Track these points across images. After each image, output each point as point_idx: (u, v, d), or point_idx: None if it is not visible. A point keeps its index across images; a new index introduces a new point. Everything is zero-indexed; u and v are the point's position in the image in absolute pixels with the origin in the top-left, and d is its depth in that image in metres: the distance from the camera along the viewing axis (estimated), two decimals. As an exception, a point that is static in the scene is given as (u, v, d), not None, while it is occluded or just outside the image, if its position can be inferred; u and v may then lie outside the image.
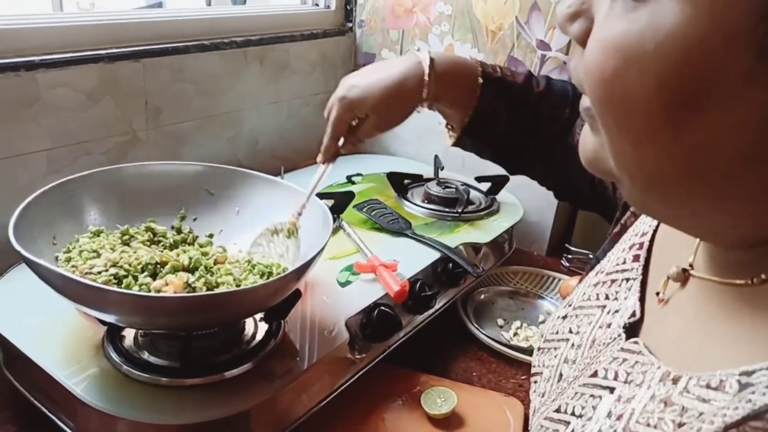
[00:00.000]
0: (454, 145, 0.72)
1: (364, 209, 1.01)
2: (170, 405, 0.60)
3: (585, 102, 0.31)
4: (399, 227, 0.97)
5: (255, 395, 0.61)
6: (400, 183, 1.12)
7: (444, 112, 0.70)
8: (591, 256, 1.15)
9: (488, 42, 1.20)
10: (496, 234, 1.01)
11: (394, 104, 0.67)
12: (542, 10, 1.12)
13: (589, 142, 0.32)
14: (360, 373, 0.74)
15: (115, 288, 0.57)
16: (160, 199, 0.71)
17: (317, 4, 1.35)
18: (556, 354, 0.48)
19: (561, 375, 0.46)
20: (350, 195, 1.00)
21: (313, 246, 0.67)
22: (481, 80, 0.65)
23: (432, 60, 0.65)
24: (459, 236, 0.98)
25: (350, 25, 1.37)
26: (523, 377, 0.85)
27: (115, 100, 0.90)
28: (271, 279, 0.64)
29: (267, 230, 0.73)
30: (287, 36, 1.20)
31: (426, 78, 0.64)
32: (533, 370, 0.51)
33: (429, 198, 1.09)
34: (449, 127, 0.72)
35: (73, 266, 0.62)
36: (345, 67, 1.38)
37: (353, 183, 1.16)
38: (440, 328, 0.89)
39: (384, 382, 0.79)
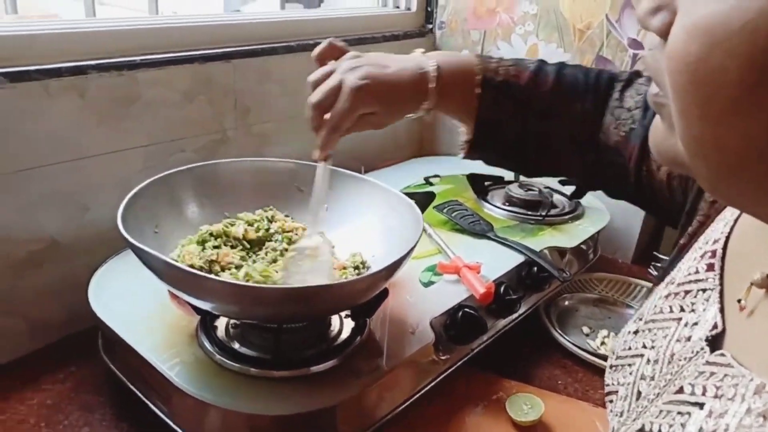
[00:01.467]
0: (466, 157, 0.68)
1: (445, 210, 1.00)
2: (260, 395, 0.60)
3: (653, 89, 0.31)
4: (481, 229, 0.95)
5: (341, 391, 0.61)
6: (481, 185, 1.10)
7: (456, 120, 0.67)
8: (682, 265, 1.09)
9: (575, 41, 1.16)
10: (582, 239, 0.97)
11: (401, 107, 0.63)
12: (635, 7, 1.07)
13: (659, 131, 0.32)
14: (443, 375, 0.72)
15: (215, 276, 0.58)
16: (253, 194, 0.72)
17: (398, 6, 1.36)
18: (631, 371, 0.45)
19: (639, 393, 0.43)
20: (431, 196, 0.99)
21: (403, 244, 0.66)
22: (479, 90, 0.62)
23: (439, 69, 0.60)
24: (543, 240, 0.95)
25: (430, 26, 1.36)
26: (612, 389, 0.81)
27: (208, 99, 0.93)
28: (363, 275, 0.64)
29: (293, 256, 0.68)
30: (369, 38, 1.21)
31: (431, 87, 0.61)
32: (607, 389, 0.49)
33: (510, 200, 1.07)
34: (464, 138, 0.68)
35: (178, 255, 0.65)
36: (424, 68, 1.37)
37: (431, 184, 1.15)
38: (522, 333, 0.86)
39: (465, 385, 0.77)
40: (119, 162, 0.83)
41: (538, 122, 0.63)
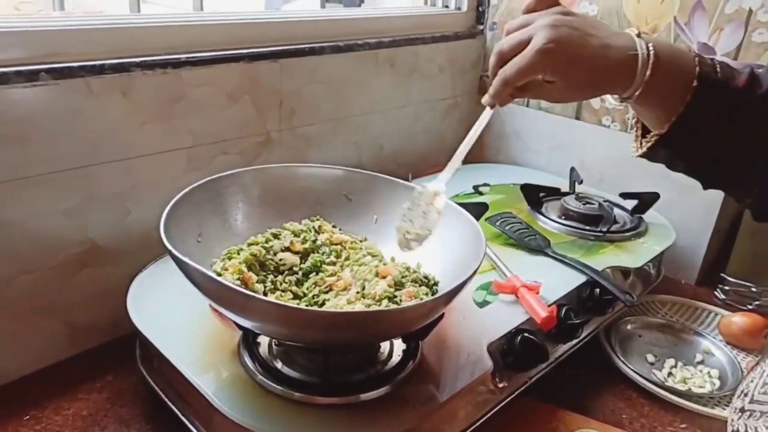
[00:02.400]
0: (643, 156, 0.59)
1: (498, 223, 0.94)
2: (305, 424, 0.56)
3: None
4: (537, 244, 0.89)
5: (394, 424, 0.56)
6: (535, 196, 1.04)
7: (640, 111, 0.58)
8: (753, 288, 1.01)
9: (639, 45, 1.09)
10: (647, 258, 0.90)
11: (589, 87, 0.55)
12: (707, 9, 1.00)
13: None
14: (500, 405, 0.67)
15: (260, 296, 0.54)
16: (299, 201, 0.68)
17: (447, 6, 1.30)
18: None
19: None
20: (483, 207, 0.93)
21: (462, 263, 0.61)
22: (695, 83, 0.53)
23: (656, 55, 0.53)
24: (605, 259, 0.88)
25: (481, 27, 1.30)
26: (682, 426, 0.74)
27: (253, 100, 0.89)
28: (425, 301, 0.59)
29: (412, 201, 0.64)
30: (418, 38, 1.16)
31: (641, 75, 0.53)
32: None
33: (567, 214, 1.00)
34: (639, 132, 0.60)
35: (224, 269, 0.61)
36: (473, 71, 1.32)
37: (481, 194, 1.10)
38: (581, 360, 0.80)
39: (520, 416, 0.71)
40: (162, 164, 0.80)
41: (747, 130, 0.55)
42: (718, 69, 0.54)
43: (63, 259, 0.74)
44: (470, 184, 1.12)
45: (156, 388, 0.67)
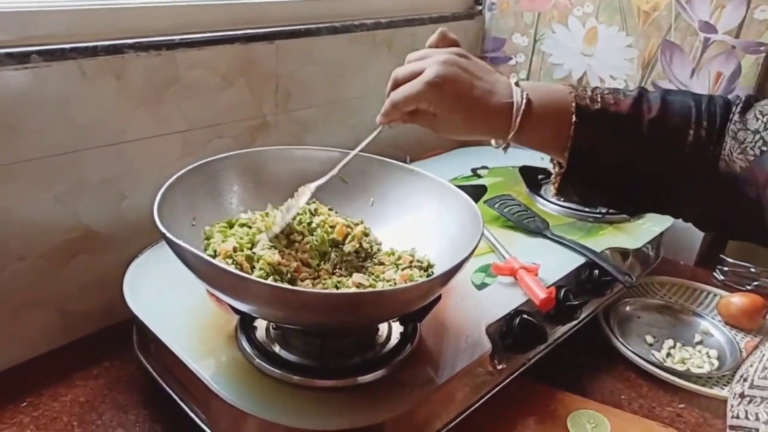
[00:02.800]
0: (558, 194, 0.60)
1: (497, 205, 0.93)
2: (303, 407, 0.56)
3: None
4: (536, 227, 0.89)
5: (391, 406, 0.56)
6: (534, 178, 1.03)
7: (538, 151, 0.60)
8: (752, 269, 1.01)
9: (639, 24, 1.07)
10: (646, 240, 0.90)
11: (468, 130, 0.58)
12: (709, -13, 0.98)
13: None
14: (499, 387, 0.67)
15: (256, 278, 0.53)
16: (295, 184, 0.67)
17: (445, -14, 1.28)
18: None
19: None
20: (482, 189, 0.93)
21: (459, 244, 0.60)
22: (574, 118, 0.54)
23: (528, 100, 0.55)
24: (604, 240, 0.88)
25: (480, 8, 1.29)
26: (681, 406, 0.74)
27: (248, 82, 0.88)
28: (421, 282, 0.58)
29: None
30: (416, 19, 1.14)
31: (515, 122, 0.55)
32: (734, 422, 0.42)
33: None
34: (554, 172, 0.61)
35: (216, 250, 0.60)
36: (471, 52, 1.27)
37: (479, 176, 1.09)
38: (579, 341, 0.80)
39: (518, 397, 0.71)
40: (157, 148, 0.79)
41: (643, 153, 0.55)
42: (598, 99, 0.55)
43: (56, 246, 0.73)
44: (469, 167, 1.11)
45: (153, 373, 0.67)
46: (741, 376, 0.47)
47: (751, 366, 0.47)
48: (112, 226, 0.78)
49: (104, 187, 0.75)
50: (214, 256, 0.60)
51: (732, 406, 0.46)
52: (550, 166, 0.62)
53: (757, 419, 0.41)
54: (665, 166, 0.55)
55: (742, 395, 0.44)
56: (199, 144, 0.84)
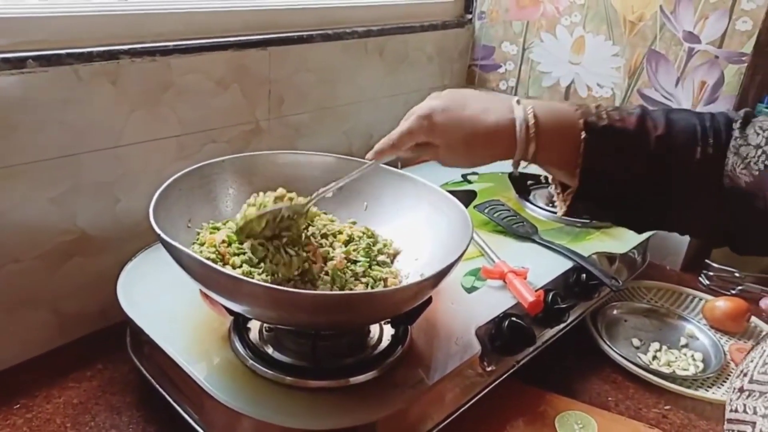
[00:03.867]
0: (567, 214, 0.60)
1: (486, 210, 0.95)
2: (296, 407, 0.57)
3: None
4: (525, 231, 0.90)
5: (383, 406, 0.57)
6: (523, 184, 1.05)
7: (551, 172, 0.60)
8: (736, 274, 1.03)
9: (626, 34, 1.10)
10: (633, 244, 0.92)
11: (473, 154, 0.58)
12: (693, -2, 1.01)
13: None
14: (488, 388, 0.68)
15: (252, 279, 0.55)
16: (290, 189, 0.68)
17: (436, -6, 1.30)
18: None
19: None
20: (472, 194, 0.94)
21: (449, 248, 0.61)
22: (584, 134, 0.54)
23: (536, 116, 0.55)
24: (591, 245, 0.89)
25: (470, 16, 1.31)
26: (666, 407, 0.75)
27: (242, 88, 0.89)
28: (411, 283, 0.59)
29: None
30: (407, 27, 1.16)
31: (522, 139, 0.55)
32: (732, 416, 0.43)
33: (554, 201, 1.01)
34: (558, 191, 0.61)
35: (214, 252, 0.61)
36: (462, 60, 1.32)
37: (470, 182, 1.10)
38: (567, 344, 0.81)
39: (507, 399, 0.72)
40: (151, 152, 0.80)
41: (651, 171, 0.55)
42: (604, 115, 0.55)
43: (51, 248, 0.74)
44: (459, 172, 1.13)
45: (147, 375, 0.67)
46: (741, 371, 0.48)
47: (752, 361, 0.48)
48: (107, 228, 0.78)
49: (99, 190, 0.76)
50: (202, 245, 0.61)
51: (731, 401, 0.47)
52: (543, 176, 0.62)
53: (755, 413, 0.42)
54: (674, 182, 0.55)
55: (741, 390, 0.45)
56: (194, 148, 0.85)
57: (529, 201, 1.02)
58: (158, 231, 0.54)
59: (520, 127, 0.54)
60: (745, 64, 0.98)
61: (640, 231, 0.64)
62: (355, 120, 1.12)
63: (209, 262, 0.54)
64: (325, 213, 0.74)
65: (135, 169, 0.79)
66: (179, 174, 0.64)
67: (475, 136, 0.56)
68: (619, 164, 0.55)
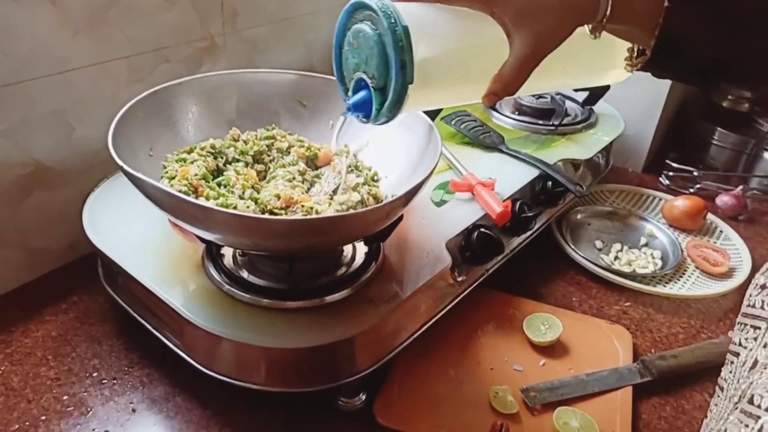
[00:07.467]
0: (639, 70, 0.52)
1: (453, 122, 0.94)
2: (275, 328, 0.58)
3: None
4: (492, 141, 0.90)
5: (359, 322, 0.59)
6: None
7: (620, 35, 0.51)
8: (695, 173, 1.06)
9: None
10: (597, 149, 0.93)
11: (557, 28, 0.46)
12: None
13: None
14: (460, 297, 0.71)
15: (222, 209, 0.54)
16: (252, 109, 0.66)
17: None
18: (756, 335, 0.41)
19: (756, 361, 0.40)
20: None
21: (418, 165, 0.62)
22: (667, 2, 0.46)
23: None
24: (557, 151, 0.90)
25: None
26: (627, 304, 0.80)
27: (192, 1, 0.83)
28: (383, 203, 0.60)
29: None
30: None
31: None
32: (747, 310, 0.43)
33: (520, 109, 1.01)
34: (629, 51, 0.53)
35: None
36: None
37: (436, 92, 1.08)
38: (534, 250, 0.84)
39: (478, 306, 0.76)
40: (102, 75, 0.76)
41: (741, 39, 0.48)
42: None
43: (9, 183, 0.71)
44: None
45: (124, 305, 0.68)
46: (767, 269, 0.48)
47: None
48: (65, 159, 0.75)
49: (52, 119, 0.72)
50: (172, 179, 0.60)
51: (750, 296, 0.46)
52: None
53: None
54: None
55: (763, 286, 0.45)
56: (146, 69, 0.81)
57: (495, 110, 1.02)
58: (120, 163, 0.52)
59: None
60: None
61: (709, 91, 0.55)
62: (317, 31, 1.07)
63: (178, 193, 0.53)
64: (290, 133, 0.72)
65: (87, 95, 0.75)
66: (135, 99, 0.61)
67: (559, 9, 0.45)
68: (705, 31, 0.47)
